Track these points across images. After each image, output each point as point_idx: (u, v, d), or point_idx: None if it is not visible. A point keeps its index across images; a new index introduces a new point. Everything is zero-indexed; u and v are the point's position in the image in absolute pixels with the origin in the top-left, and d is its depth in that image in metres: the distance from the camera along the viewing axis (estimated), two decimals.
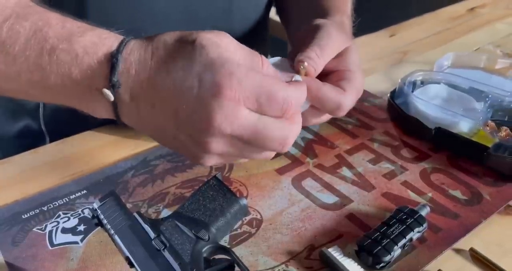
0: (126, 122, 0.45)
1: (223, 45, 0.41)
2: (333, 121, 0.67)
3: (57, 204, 0.54)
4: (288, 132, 0.42)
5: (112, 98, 0.42)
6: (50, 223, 0.52)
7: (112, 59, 0.42)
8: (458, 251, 0.49)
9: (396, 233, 0.48)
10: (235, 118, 0.40)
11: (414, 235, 0.48)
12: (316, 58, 0.49)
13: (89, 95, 0.43)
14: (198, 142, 0.41)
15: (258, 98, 0.40)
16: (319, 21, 0.55)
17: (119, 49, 0.42)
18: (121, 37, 0.44)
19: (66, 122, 0.71)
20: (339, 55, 0.53)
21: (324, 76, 0.52)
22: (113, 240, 0.45)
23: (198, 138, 0.41)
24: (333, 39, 0.51)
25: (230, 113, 0.39)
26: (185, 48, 0.41)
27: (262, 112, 0.41)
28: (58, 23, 0.44)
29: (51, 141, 0.67)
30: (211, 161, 0.44)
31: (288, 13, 0.73)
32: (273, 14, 0.82)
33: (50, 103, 0.50)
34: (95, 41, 0.43)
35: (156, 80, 0.41)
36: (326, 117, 0.53)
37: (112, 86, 0.42)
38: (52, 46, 0.43)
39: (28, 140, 0.73)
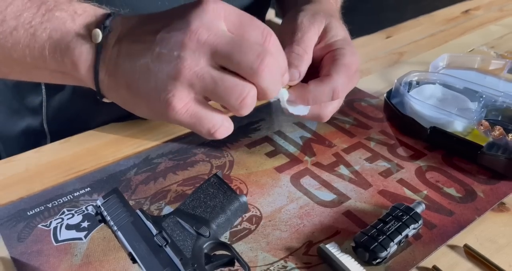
0: (102, 72, 0.44)
1: None
2: (331, 121, 0.68)
3: (62, 201, 0.55)
4: (266, 52, 0.41)
5: (99, 39, 0.43)
6: (55, 220, 0.52)
7: (108, 13, 0.44)
8: (452, 247, 0.50)
9: (392, 230, 0.48)
10: (213, 28, 0.40)
11: (410, 231, 0.49)
12: (298, 58, 0.50)
13: (74, 42, 0.44)
14: (172, 59, 0.40)
15: (240, 17, 0.41)
16: (291, 13, 0.56)
17: (116, 12, 0.45)
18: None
19: (69, 122, 0.72)
20: (322, 37, 0.54)
21: (317, 64, 0.53)
22: (116, 236, 0.46)
23: (173, 52, 0.40)
24: (304, 31, 0.52)
25: (209, 22, 0.40)
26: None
27: (242, 32, 0.41)
28: None
29: (52, 141, 0.68)
30: (181, 94, 0.41)
31: (284, 10, 0.74)
32: (272, 16, 0.83)
33: (31, 71, 0.48)
34: (95, 6, 0.45)
35: (145, 18, 0.43)
36: (336, 104, 0.54)
37: (104, 28, 0.43)
38: (48, 7, 0.44)
39: (31, 139, 0.74)
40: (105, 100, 0.47)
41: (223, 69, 0.42)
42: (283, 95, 0.50)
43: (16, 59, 0.46)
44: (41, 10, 0.44)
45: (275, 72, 0.42)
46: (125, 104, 0.46)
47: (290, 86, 0.51)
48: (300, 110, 0.52)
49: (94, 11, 0.45)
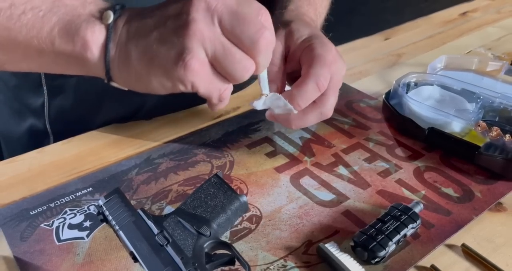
0: (112, 50, 0.45)
1: None
2: (330, 122, 0.68)
3: (64, 201, 0.55)
4: (265, 27, 0.43)
5: (111, 19, 0.45)
6: (57, 219, 0.53)
7: (117, 3, 0.46)
8: (450, 246, 0.50)
9: (391, 229, 0.48)
10: None
11: (408, 231, 0.49)
12: (270, 74, 0.53)
13: (86, 23, 0.45)
14: (186, 22, 0.42)
15: None
16: None
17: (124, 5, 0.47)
18: None
19: (71, 123, 0.72)
20: (288, 44, 0.56)
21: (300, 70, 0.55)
22: (118, 236, 0.46)
23: (186, 15, 0.42)
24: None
25: None
26: None
27: (242, 7, 0.44)
28: None
29: (55, 141, 0.68)
30: (198, 55, 0.42)
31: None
32: None
33: (33, 56, 0.49)
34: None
35: (151, 6, 0.46)
36: (333, 97, 0.55)
37: (115, 11, 0.45)
38: None
39: (33, 140, 0.74)
40: (113, 84, 0.48)
41: None
42: (260, 105, 0.54)
43: (21, 42, 0.46)
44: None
45: (270, 48, 0.45)
46: (137, 80, 0.46)
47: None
48: (279, 105, 0.54)
49: (103, 2, 0.47)
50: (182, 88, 0.45)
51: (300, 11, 0.64)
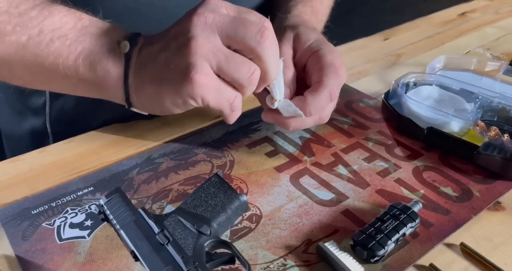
0: (130, 76, 0.48)
1: None
2: (330, 121, 0.67)
3: (65, 200, 0.55)
4: (265, 27, 0.45)
5: (127, 49, 0.48)
6: (59, 219, 0.53)
7: (136, 33, 0.49)
8: (449, 245, 0.50)
9: (390, 228, 0.48)
10: (217, 11, 0.45)
11: (407, 230, 0.49)
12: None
13: (108, 53, 0.48)
14: (187, 41, 0.44)
15: (239, 9, 0.46)
16: None
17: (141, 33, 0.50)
18: None
19: (71, 123, 0.72)
20: (296, 47, 0.57)
21: (303, 75, 0.56)
22: (119, 235, 0.46)
23: (186, 35, 0.44)
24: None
25: (213, 8, 0.45)
26: None
27: (243, 16, 0.46)
28: (87, 11, 0.50)
29: (54, 141, 0.68)
30: (202, 70, 0.44)
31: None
32: None
33: (57, 79, 0.52)
34: (124, 27, 0.50)
35: (160, 32, 0.48)
36: (333, 104, 0.57)
37: (130, 40, 0.48)
38: (84, 24, 0.49)
39: (34, 140, 0.74)
40: (133, 109, 0.51)
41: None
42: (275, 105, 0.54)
43: (48, 67, 0.50)
44: (77, 26, 0.48)
45: (275, 47, 0.47)
46: (151, 102, 0.49)
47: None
48: (288, 111, 0.54)
49: (126, 30, 0.50)
50: (193, 103, 0.47)
51: (304, 17, 0.65)
